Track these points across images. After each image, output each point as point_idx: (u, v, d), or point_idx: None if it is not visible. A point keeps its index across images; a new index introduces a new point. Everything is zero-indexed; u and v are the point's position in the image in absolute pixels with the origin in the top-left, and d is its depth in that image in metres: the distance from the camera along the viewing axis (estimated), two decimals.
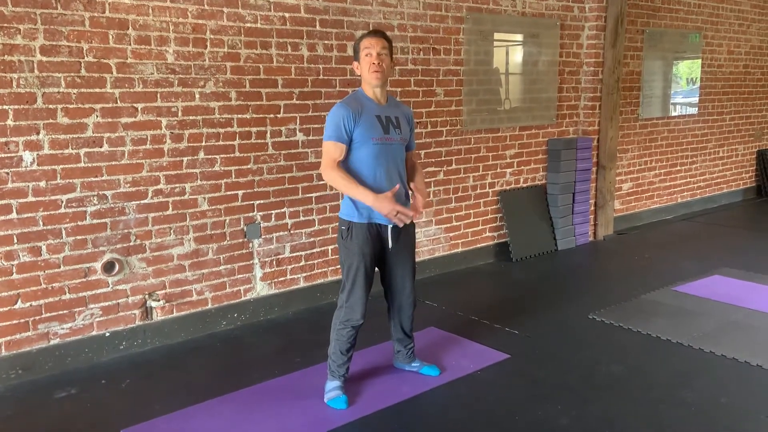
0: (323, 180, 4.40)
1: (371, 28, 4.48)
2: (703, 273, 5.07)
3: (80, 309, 3.60)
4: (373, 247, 3.05)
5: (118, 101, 3.57)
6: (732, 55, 7.67)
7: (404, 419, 2.99)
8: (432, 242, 5.15)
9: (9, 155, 3.29)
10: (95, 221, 3.58)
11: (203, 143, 3.89)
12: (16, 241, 3.36)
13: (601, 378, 3.36)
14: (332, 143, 2.95)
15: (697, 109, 7.33)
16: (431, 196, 5.06)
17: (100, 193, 3.58)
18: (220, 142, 3.95)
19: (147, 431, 2.90)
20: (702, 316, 4.17)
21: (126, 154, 3.63)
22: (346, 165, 3.03)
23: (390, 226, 3.07)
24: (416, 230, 4.97)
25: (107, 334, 3.70)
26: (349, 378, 3.21)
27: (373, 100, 3.06)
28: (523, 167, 5.70)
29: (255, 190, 4.14)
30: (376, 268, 3.18)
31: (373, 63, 2.99)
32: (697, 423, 2.91)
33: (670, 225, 6.94)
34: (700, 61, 7.23)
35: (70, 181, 3.48)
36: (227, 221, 4.06)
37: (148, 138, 3.69)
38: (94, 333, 3.66)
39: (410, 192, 3.20)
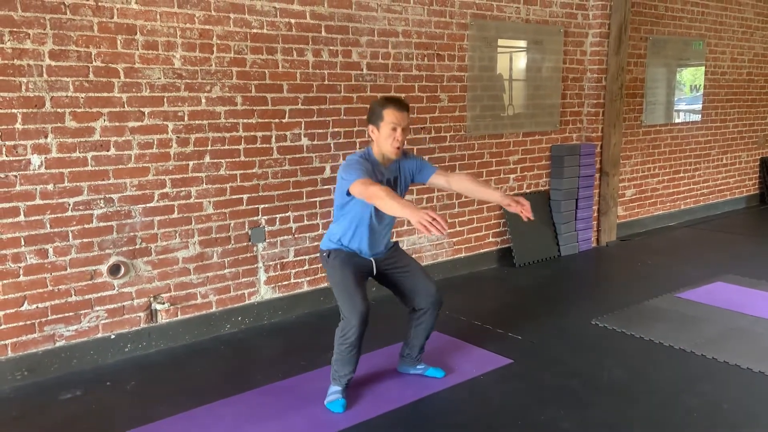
0: (325, 185, 4.45)
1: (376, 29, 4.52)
2: (705, 280, 5.08)
3: (86, 311, 3.62)
4: (357, 264, 3.13)
5: (126, 105, 3.60)
6: (735, 62, 7.68)
7: (407, 423, 3.00)
8: (435, 247, 5.17)
9: (17, 158, 3.32)
10: (102, 224, 3.61)
11: (209, 147, 3.92)
12: (23, 243, 3.39)
13: (604, 383, 3.37)
14: (360, 178, 2.85)
15: (700, 116, 7.35)
16: (435, 201, 5.08)
17: (107, 196, 3.61)
18: (226, 147, 3.98)
19: None
20: (705, 322, 4.18)
21: (132, 158, 3.66)
22: (343, 210, 3.10)
23: (372, 259, 3.18)
24: (419, 235, 5.00)
25: (112, 337, 3.72)
26: (352, 384, 3.22)
27: (380, 163, 3.10)
28: (526, 173, 5.72)
29: (260, 194, 4.16)
30: (388, 290, 3.29)
31: (397, 140, 3.01)
32: (700, 429, 2.91)
33: (673, 232, 6.95)
34: (703, 68, 7.25)
35: (78, 184, 3.51)
36: (232, 225, 4.08)
37: (155, 142, 3.72)
38: (99, 335, 3.68)
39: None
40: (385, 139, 3.01)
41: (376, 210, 3.05)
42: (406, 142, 3.05)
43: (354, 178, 2.86)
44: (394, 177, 3.15)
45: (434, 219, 2.53)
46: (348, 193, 2.93)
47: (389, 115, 2.99)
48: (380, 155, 3.08)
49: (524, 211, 3.05)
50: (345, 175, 2.94)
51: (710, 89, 7.41)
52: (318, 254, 4.48)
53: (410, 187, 4.83)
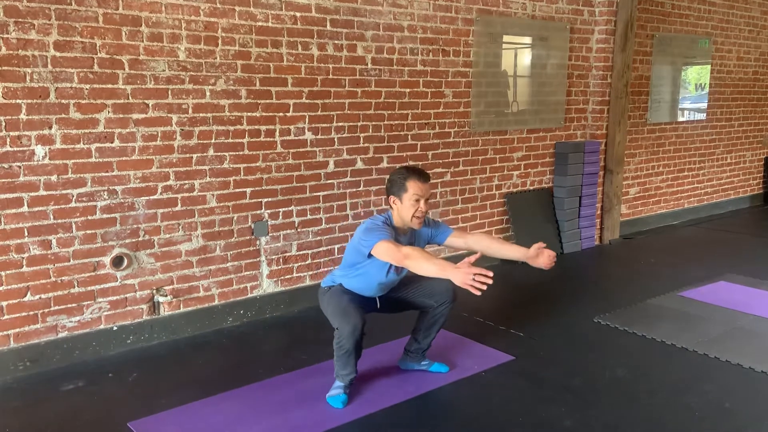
0: (328, 179, 4.44)
1: (381, 32, 4.51)
2: (708, 279, 5.07)
3: (88, 302, 3.63)
4: (358, 298, 3.13)
5: (130, 97, 3.60)
6: (741, 61, 7.65)
7: (408, 418, 3.00)
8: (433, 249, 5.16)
9: (21, 149, 3.32)
10: (105, 216, 3.61)
11: (213, 140, 3.91)
12: (26, 234, 3.39)
13: (606, 381, 3.37)
14: (387, 240, 2.86)
15: (705, 114, 7.32)
16: (438, 197, 5.08)
17: (111, 188, 3.61)
18: (230, 140, 3.98)
19: (153, 425, 2.93)
20: (707, 321, 4.17)
21: (136, 150, 3.66)
22: (354, 267, 3.09)
23: (377, 297, 3.22)
24: None
25: (115, 328, 3.73)
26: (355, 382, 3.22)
27: (400, 232, 3.09)
28: (530, 170, 5.71)
29: (263, 187, 4.16)
30: (396, 312, 3.32)
31: (421, 211, 3.01)
32: (701, 428, 2.91)
33: (677, 230, 6.93)
34: (709, 66, 7.22)
35: (81, 175, 3.51)
36: (235, 218, 4.08)
37: (159, 134, 3.72)
38: (101, 327, 3.69)
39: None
40: (407, 210, 3.01)
41: (389, 271, 3.06)
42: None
43: (378, 239, 2.86)
44: (410, 243, 3.13)
45: (477, 274, 2.51)
46: (369, 255, 2.92)
47: (413, 187, 2.98)
48: (400, 223, 3.08)
49: (547, 260, 3.05)
50: (366, 236, 2.92)
51: (716, 88, 7.37)
52: (320, 249, 4.49)
53: None
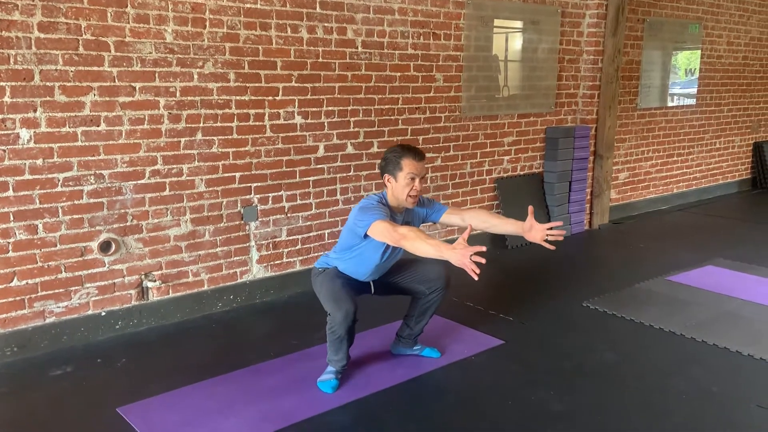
0: (318, 164, 4.41)
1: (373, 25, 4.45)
2: (697, 263, 5.10)
3: (76, 288, 3.60)
4: (351, 281, 3.12)
5: (116, 80, 3.54)
6: (731, 46, 7.65)
7: (398, 402, 3.01)
8: (428, 228, 5.15)
9: (6, 132, 3.27)
10: (92, 200, 3.57)
11: (201, 124, 3.87)
12: (12, 218, 3.35)
13: (594, 365, 3.39)
14: (383, 219, 2.83)
15: (695, 100, 7.33)
16: (429, 182, 5.06)
17: (97, 172, 3.56)
18: (218, 124, 3.93)
19: (142, 410, 2.92)
20: (695, 305, 4.21)
21: (123, 134, 3.61)
22: (350, 250, 3.07)
23: (371, 281, 3.21)
24: None
25: (103, 314, 3.70)
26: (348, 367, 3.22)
27: (395, 211, 3.06)
28: (520, 155, 5.70)
29: (252, 172, 4.13)
30: (389, 295, 3.32)
31: (416, 189, 2.97)
32: (689, 411, 2.94)
33: (666, 215, 6.97)
34: (699, 51, 7.22)
35: (67, 159, 3.46)
36: (224, 203, 4.05)
37: (146, 118, 3.67)
38: (89, 312, 3.66)
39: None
40: (402, 189, 2.98)
41: (385, 252, 3.04)
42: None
43: (374, 219, 2.83)
44: (406, 222, 3.11)
45: (472, 253, 2.46)
46: (365, 236, 2.90)
47: (408, 165, 2.96)
48: (395, 202, 3.06)
49: (541, 234, 2.94)
50: (362, 217, 2.89)
51: (705, 73, 7.38)
52: (310, 234, 4.47)
53: None
